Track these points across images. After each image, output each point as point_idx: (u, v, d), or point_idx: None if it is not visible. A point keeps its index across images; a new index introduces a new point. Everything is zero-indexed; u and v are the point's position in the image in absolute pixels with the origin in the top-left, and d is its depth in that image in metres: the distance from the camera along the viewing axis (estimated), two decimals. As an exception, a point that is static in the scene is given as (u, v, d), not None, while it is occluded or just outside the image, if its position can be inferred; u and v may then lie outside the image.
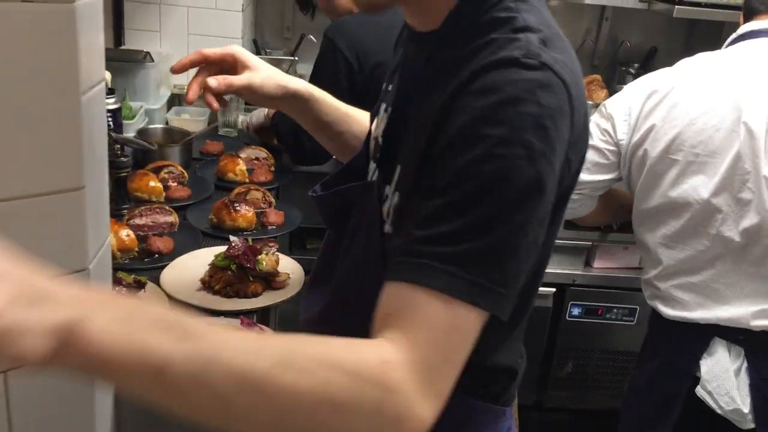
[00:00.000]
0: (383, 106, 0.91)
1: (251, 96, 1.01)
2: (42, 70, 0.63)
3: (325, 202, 0.95)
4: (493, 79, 0.66)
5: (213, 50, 1.01)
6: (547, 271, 0.85)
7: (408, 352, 0.61)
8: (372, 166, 0.92)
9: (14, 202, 0.65)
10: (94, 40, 0.69)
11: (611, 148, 1.50)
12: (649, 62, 2.92)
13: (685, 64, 1.51)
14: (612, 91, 2.80)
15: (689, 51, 2.92)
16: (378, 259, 0.80)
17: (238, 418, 0.56)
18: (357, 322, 0.69)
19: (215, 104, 0.99)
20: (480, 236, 0.64)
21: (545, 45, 0.70)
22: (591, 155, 1.49)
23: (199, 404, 0.56)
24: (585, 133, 0.75)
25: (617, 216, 1.91)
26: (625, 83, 2.86)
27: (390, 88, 0.91)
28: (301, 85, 1.03)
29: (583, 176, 1.46)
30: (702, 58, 1.50)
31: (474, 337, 0.65)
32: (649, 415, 1.61)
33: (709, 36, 3.04)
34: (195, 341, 0.55)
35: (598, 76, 2.82)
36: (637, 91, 1.49)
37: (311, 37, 2.75)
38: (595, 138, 1.51)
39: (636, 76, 2.83)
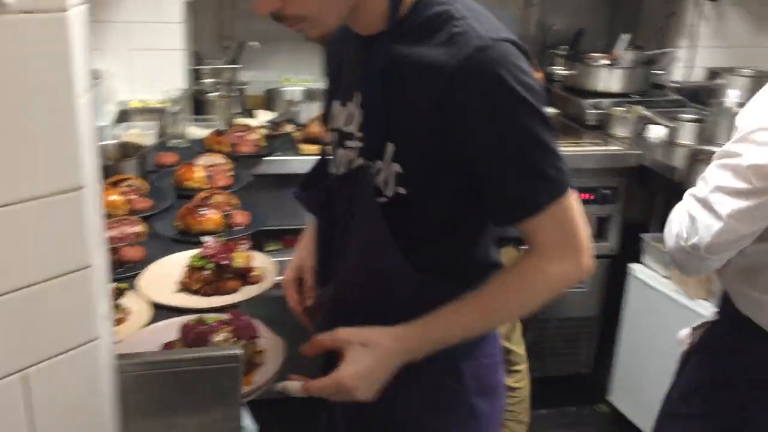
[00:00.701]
0: (337, 102, 1.10)
1: None
2: (39, 76, 0.69)
3: (311, 198, 1.05)
4: (476, 70, 0.90)
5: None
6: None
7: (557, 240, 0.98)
8: (340, 152, 1.08)
9: (16, 206, 0.70)
10: (82, 45, 0.74)
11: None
12: (576, 44, 3.07)
13: None
14: (546, 74, 2.94)
15: (612, 31, 3.10)
16: (380, 222, 0.99)
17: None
18: (371, 288, 1.03)
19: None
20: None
21: (483, 26, 0.93)
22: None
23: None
24: None
25: None
26: (555, 66, 3.01)
27: (337, 86, 1.10)
28: None
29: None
30: None
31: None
32: None
33: (629, 15, 3.21)
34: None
35: (530, 61, 2.94)
36: None
37: (255, 43, 2.79)
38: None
39: (565, 57, 2.97)
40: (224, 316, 1.15)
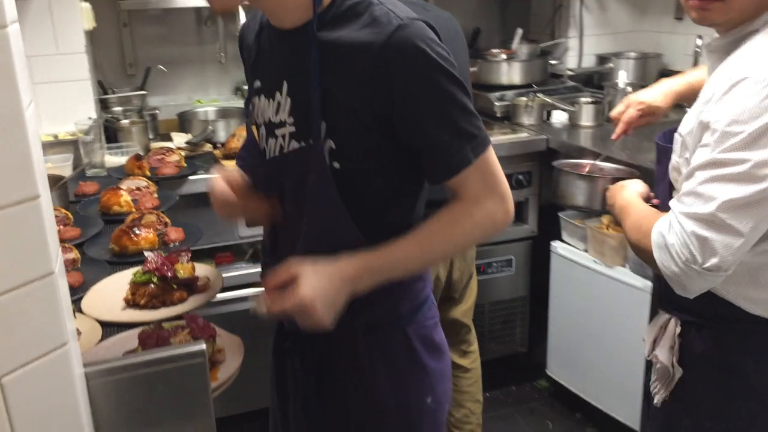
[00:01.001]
0: (261, 98, 1.19)
1: None
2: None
3: (255, 172, 1.19)
4: (400, 45, 1.02)
5: None
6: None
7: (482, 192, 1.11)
8: (271, 142, 1.18)
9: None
10: (22, 61, 0.75)
11: None
12: (475, 42, 3.21)
13: None
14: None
15: (506, 28, 3.26)
16: (335, 194, 1.10)
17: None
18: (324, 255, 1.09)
19: None
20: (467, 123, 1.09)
21: (399, 9, 1.06)
22: None
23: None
24: None
25: None
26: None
27: (259, 83, 1.19)
28: None
29: None
30: None
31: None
32: None
33: (521, 11, 3.39)
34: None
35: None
36: None
37: (161, 67, 2.78)
38: None
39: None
40: (180, 321, 1.15)
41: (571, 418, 2.71)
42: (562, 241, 2.63)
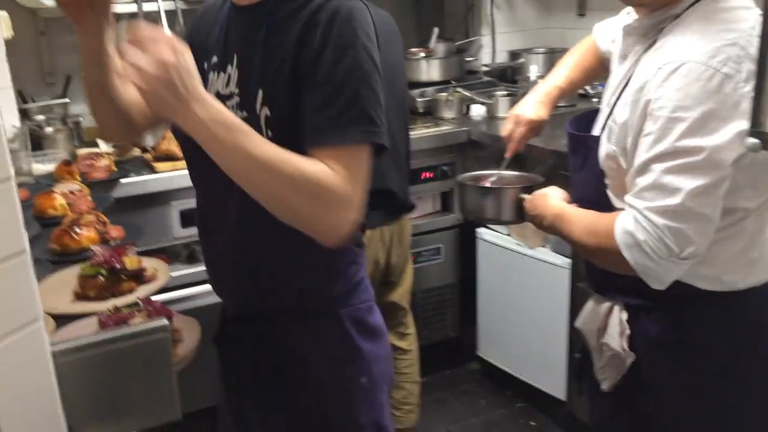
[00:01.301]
0: (213, 73, 1.23)
1: None
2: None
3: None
4: (332, 11, 1.07)
5: None
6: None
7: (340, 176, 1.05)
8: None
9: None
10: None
11: None
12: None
13: None
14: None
15: (422, 28, 3.39)
16: None
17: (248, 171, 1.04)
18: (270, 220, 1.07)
19: None
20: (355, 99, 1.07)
21: None
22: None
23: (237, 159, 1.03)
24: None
25: None
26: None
27: (216, 59, 1.23)
28: None
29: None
30: None
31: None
32: None
33: (435, 11, 3.53)
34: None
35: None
36: None
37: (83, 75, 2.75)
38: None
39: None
40: (135, 306, 1.20)
41: (502, 395, 2.86)
42: (487, 228, 2.77)
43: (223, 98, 1.19)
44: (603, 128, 1.32)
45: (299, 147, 1.08)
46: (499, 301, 2.78)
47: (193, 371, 1.26)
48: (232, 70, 1.19)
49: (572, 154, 1.44)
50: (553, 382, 2.58)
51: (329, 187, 1.04)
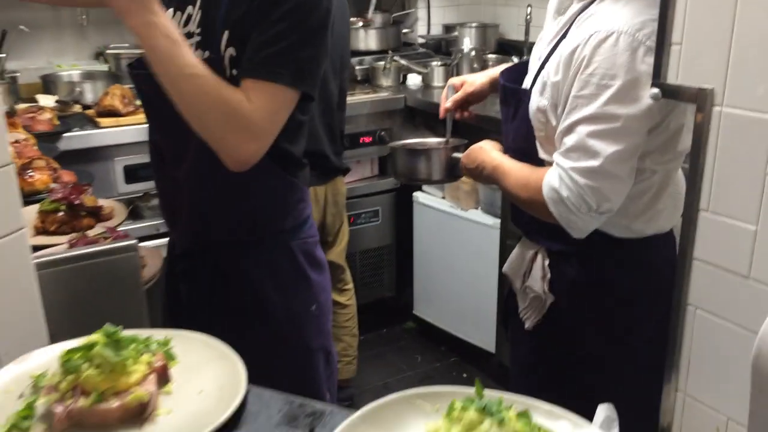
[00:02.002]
0: (170, 12, 1.27)
1: None
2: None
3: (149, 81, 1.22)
4: None
5: None
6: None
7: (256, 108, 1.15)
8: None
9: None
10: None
11: None
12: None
13: None
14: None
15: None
16: None
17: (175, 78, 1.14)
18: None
19: None
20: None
21: None
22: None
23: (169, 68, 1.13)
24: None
25: None
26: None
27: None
28: None
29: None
30: None
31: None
32: None
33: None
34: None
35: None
36: None
37: (23, 27, 2.71)
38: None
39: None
40: (100, 233, 1.25)
41: (437, 350, 3.01)
42: (422, 191, 2.90)
43: None
44: (534, 81, 1.39)
45: None
46: (434, 262, 2.91)
47: (154, 298, 1.33)
48: (194, 11, 1.25)
49: (503, 105, 1.51)
50: (484, 336, 2.75)
51: (242, 114, 1.15)
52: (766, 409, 0.68)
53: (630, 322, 1.44)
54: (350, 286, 2.57)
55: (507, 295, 1.67)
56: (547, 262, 1.47)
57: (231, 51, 1.20)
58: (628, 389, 1.42)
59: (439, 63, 3.09)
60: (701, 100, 1.07)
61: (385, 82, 3.03)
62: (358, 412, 0.76)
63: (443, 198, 2.83)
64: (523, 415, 0.70)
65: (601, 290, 1.44)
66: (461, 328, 2.87)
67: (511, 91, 1.48)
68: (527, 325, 1.52)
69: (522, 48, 3.17)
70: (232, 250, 1.34)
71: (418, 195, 2.89)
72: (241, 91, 1.16)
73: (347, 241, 2.55)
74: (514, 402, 0.76)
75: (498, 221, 2.59)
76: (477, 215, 2.69)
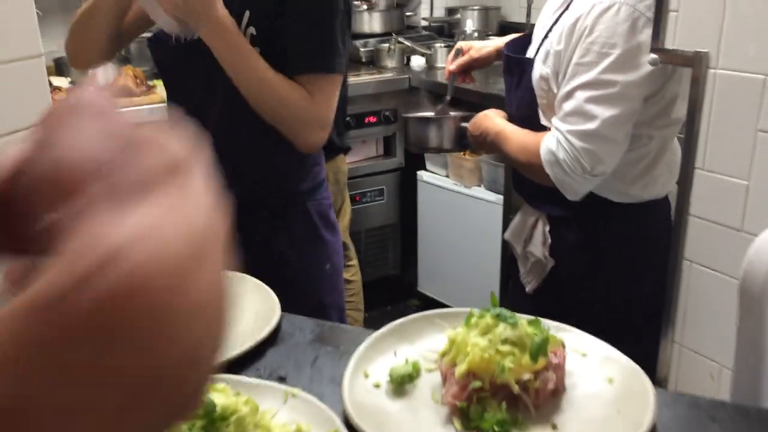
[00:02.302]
0: None
1: None
2: None
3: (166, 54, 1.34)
4: None
5: None
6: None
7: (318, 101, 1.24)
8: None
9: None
10: None
11: None
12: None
13: None
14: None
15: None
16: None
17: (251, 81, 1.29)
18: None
19: None
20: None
21: None
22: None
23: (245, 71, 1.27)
24: None
25: None
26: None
27: None
28: None
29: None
30: None
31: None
32: None
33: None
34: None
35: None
36: None
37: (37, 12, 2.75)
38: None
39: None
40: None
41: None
42: (426, 170, 2.96)
43: None
44: (537, 51, 1.45)
45: (278, 62, 1.28)
46: (438, 238, 2.98)
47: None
48: None
49: (507, 74, 1.57)
50: (487, 310, 2.80)
51: (308, 111, 1.30)
52: (751, 326, 0.75)
53: (627, 285, 1.50)
54: (354, 262, 2.63)
55: (509, 259, 1.74)
56: (547, 228, 1.53)
57: (251, 30, 1.28)
58: (625, 349, 1.51)
59: (442, 45, 3.15)
60: (697, 63, 1.13)
61: (390, 63, 3.08)
62: (384, 328, 0.87)
63: (447, 176, 2.89)
64: (534, 322, 0.78)
65: (599, 254, 1.50)
66: (463, 302, 2.90)
67: (515, 60, 1.53)
68: (528, 288, 1.59)
69: (524, 30, 3.21)
70: (250, 211, 1.40)
71: (422, 174, 2.95)
72: (300, 88, 1.28)
73: (349, 218, 2.61)
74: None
75: (501, 198, 2.65)
76: (480, 192, 2.75)
